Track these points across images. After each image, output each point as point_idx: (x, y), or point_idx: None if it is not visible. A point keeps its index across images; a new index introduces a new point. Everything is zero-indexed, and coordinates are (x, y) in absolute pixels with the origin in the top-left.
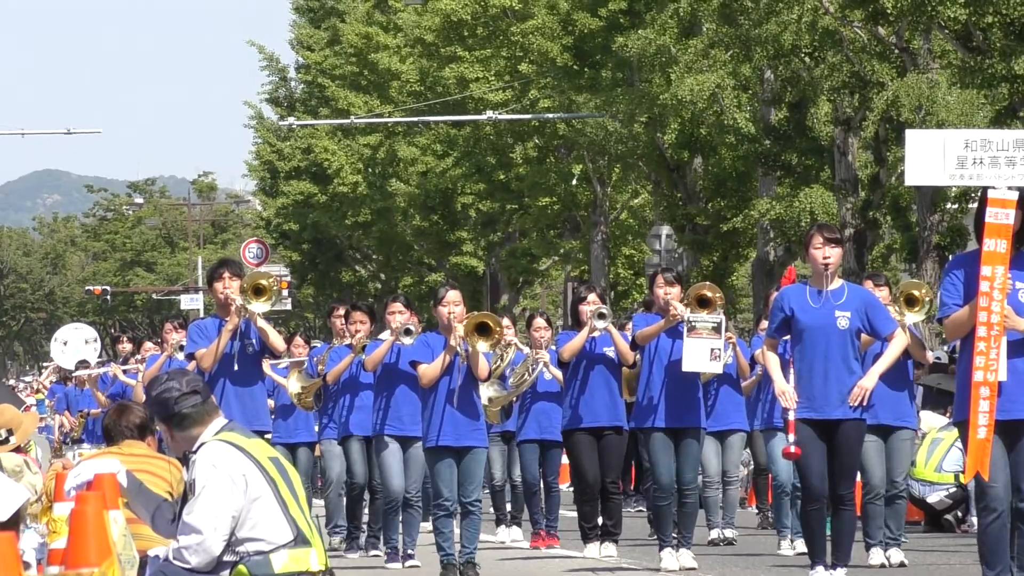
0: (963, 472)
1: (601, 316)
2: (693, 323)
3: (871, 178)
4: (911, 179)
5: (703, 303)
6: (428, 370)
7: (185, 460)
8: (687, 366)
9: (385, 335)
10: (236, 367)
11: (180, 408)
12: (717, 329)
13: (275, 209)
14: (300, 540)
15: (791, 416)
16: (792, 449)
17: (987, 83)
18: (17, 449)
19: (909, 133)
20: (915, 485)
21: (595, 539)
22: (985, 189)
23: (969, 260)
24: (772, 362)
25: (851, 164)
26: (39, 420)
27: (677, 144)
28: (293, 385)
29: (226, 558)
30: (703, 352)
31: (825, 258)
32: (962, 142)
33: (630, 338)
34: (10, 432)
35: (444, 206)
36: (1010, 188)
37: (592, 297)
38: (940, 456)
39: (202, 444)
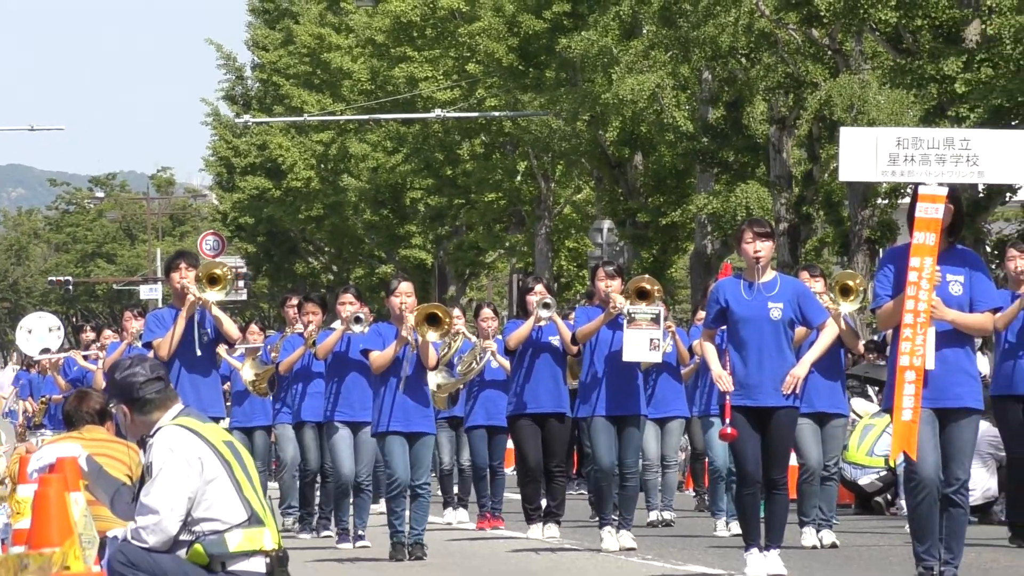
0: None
1: (546, 306)
2: (633, 315)
3: (805, 175)
4: (844, 175)
5: (642, 295)
6: (379, 358)
7: (143, 444)
8: (627, 356)
9: (336, 324)
10: (191, 355)
11: (143, 393)
12: (656, 320)
13: (231, 203)
14: (254, 520)
15: (728, 400)
16: (728, 431)
17: (916, 83)
18: None
19: (843, 130)
20: (847, 468)
21: (538, 520)
22: (917, 185)
23: (901, 253)
24: (709, 351)
25: (785, 161)
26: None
27: (618, 141)
28: (247, 372)
29: (183, 537)
30: (643, 342)
31: (756, 252)
32: (894, 140)
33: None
34: None
35: (394, 201)
36: (940, 184)
37: (539, 288)
38: (872, 441)
39: (159, 428)
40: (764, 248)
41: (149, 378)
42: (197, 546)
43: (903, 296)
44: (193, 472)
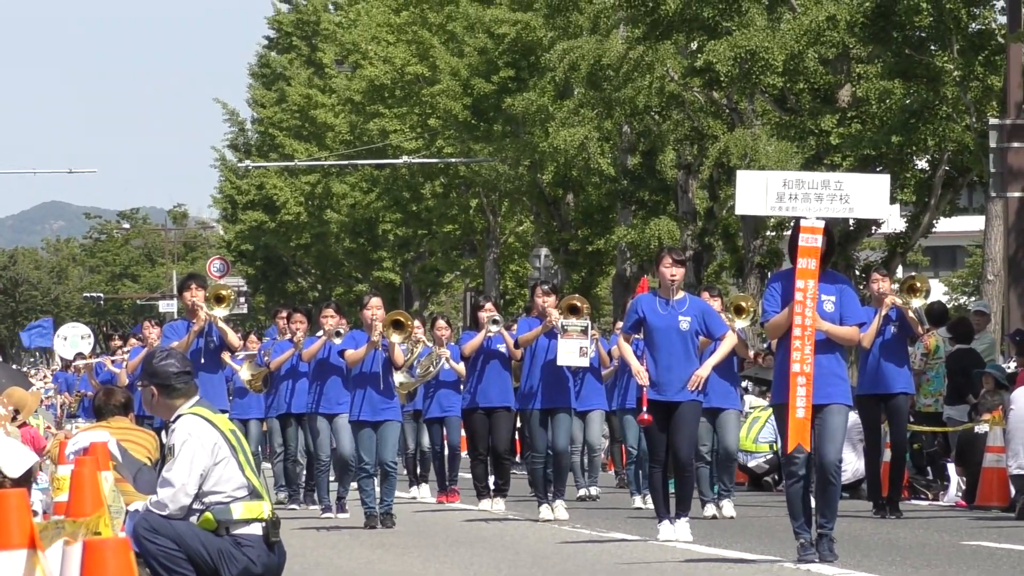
0: (776, 442)
1: (495, 321)
2: (565, 327)
3: (707, 211)
4: (740, 209)
5: (573, 310)
6: (353, 354)
7: (165, 427)
8: (561, 361)
9: (320, 334)
10: (202, 360)
11: (174, 382)
12: (584, 332)
13: (234, 233)
14: (254, 494)
15: (645, 392)
16: (646, 416)
17: (798, 136)
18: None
19: (739, 173)
20: (739, 454)
21: (487, 495)
22: (798, 219)
23: (785, 276)
24: (627, 350)
25: (691, 200)
26: (44, 399)
27: (553, 183)
28: (245, 373)
29: (195, 507)
30: (573, 350)
31: (672, 275)
32: (781, 181)
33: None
34: (17, 411)
35: (368, 231)
36: (818, 218)
37: (489, 305)
38: (757, 431)
39: (180, 415)
40: (679, 273)
41: (181, 371)
42: (207, 514)
43: (791, 312)
44: (207, 454)
